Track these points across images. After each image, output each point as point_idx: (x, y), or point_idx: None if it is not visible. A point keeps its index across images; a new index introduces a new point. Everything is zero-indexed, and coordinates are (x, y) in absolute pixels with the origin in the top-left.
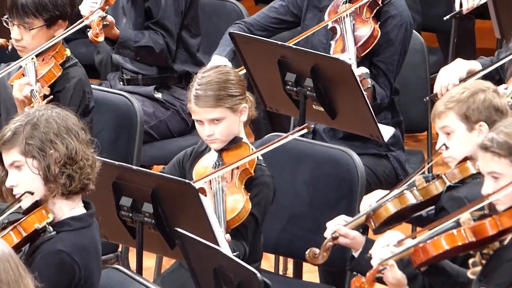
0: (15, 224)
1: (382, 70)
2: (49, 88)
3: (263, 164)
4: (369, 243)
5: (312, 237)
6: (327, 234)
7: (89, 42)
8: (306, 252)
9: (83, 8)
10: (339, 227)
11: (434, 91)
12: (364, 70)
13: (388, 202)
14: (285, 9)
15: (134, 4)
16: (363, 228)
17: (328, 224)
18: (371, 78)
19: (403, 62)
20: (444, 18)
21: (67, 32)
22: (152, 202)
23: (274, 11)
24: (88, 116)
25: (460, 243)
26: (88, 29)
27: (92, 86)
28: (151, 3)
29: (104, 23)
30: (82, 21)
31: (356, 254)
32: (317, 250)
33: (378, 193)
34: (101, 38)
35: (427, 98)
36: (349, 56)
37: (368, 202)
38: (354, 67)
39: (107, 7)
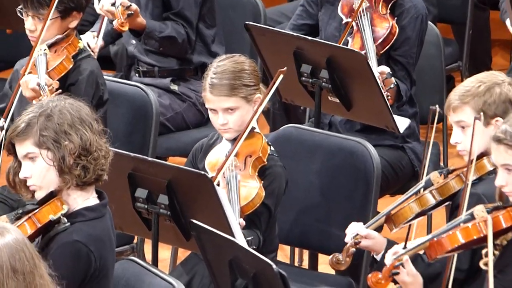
0: (29, 215)
1: (402, 64)
2: (58, 82)
3: (275, 155)
4: (391, 244)
5: (326, 228)
6: (348, 239)
7: (114, 31)
8: (329, 258)
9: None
10: (360, 228)
11: None
12: (386, 69)
13: (408, 204)
14: (306, 13)
15: None
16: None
17: (347, 230)
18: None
19: (420, 53)
20: None
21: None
22: (167, 194)
23: (298, 18)
24: (103, 108)
25: (475, 237)
26: (113, 19)
27: (107, 77)
28: None
29: (129, 12)
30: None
31: (378, 257)
32: (340, 256)
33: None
34: (126, 28)
35: None
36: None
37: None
38: (374, 65)
39: None
